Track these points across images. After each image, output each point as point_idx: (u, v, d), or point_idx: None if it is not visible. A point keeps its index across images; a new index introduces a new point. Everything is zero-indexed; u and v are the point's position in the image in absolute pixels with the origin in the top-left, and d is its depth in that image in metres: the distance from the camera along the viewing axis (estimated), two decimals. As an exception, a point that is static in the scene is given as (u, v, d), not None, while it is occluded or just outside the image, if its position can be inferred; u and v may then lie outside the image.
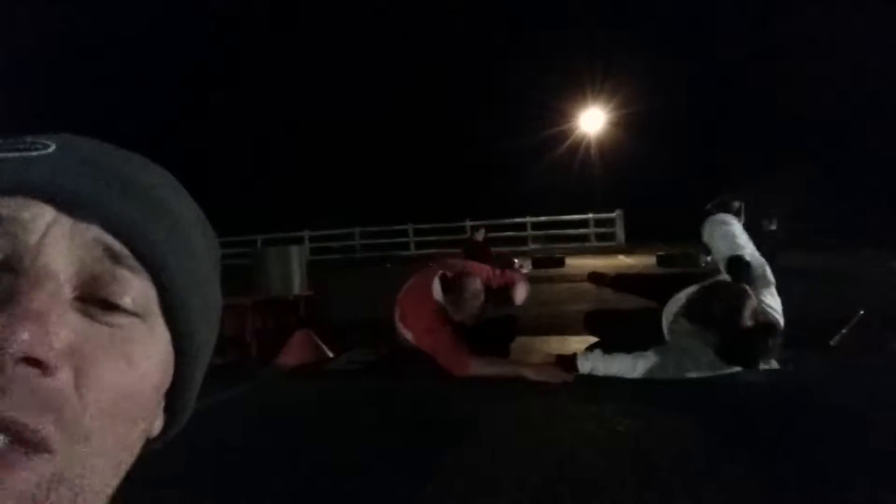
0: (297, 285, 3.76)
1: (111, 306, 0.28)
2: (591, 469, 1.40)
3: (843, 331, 2.58)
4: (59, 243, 0.27)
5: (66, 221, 0.27)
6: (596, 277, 3.54)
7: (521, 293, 2.85)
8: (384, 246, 16.76)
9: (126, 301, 0.29)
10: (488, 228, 11.78)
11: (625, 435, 1.63)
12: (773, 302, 2.18)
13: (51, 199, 0.27)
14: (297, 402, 2.24)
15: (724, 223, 2.39)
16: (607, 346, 2.35)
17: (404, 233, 16.88)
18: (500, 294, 2.79)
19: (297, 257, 3.87)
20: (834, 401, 1.85)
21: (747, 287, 2.09)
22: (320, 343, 2.94)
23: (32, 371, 0.23)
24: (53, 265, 0.26)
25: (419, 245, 16.55)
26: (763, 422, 1.72)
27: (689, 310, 2.23)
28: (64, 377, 0.25)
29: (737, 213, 2.65)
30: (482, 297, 2.52)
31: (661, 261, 8.42)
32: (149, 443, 0.32)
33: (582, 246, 14.33)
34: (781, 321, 2.15)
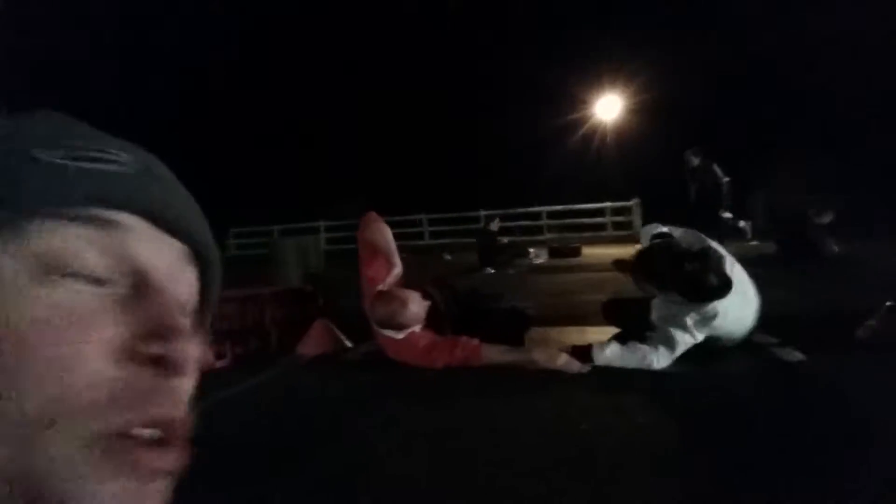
0: (314, 274, 3.80)
1: (184, 311, 0.32)
2: (609, 461, 1.40)
3: (869, 322, 2.53)
4: (160, 256, 0.30)
5: (158, 233, 0.30)
6: (621, 265, 3.51)
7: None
8: (398, 236, 16.75)
9: (192, 304, 0.33)
10: (503, 218, 11.71)
11: (644, 427, 1.62)
12: (700, 246, 2.40)
13: (143, 213, 0.29)
14: (316, 390, 2.27)
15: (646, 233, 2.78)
16: (624, 337, 2.34)
17: (418, 223, 16.89)
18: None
19: (314, 248, 3.91)
20: (858, 393, 1.82)
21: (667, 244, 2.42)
22: (339, 333, 2.98)
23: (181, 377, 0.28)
24: (171, 283, 0.30)
25: (433, 235, 16.55)
26: (785, 414, 1.70)
27: (649, 283, 2.44)
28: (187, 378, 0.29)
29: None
30: (416, 307, 2.47)
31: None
32: None
33: (598, 235, 14.19)
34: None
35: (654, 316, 2.35)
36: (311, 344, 2.89)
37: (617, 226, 14.93)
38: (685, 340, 2.18)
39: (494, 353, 2.32)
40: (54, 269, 0.25)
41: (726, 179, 7.48)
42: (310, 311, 3.33)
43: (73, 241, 0.26)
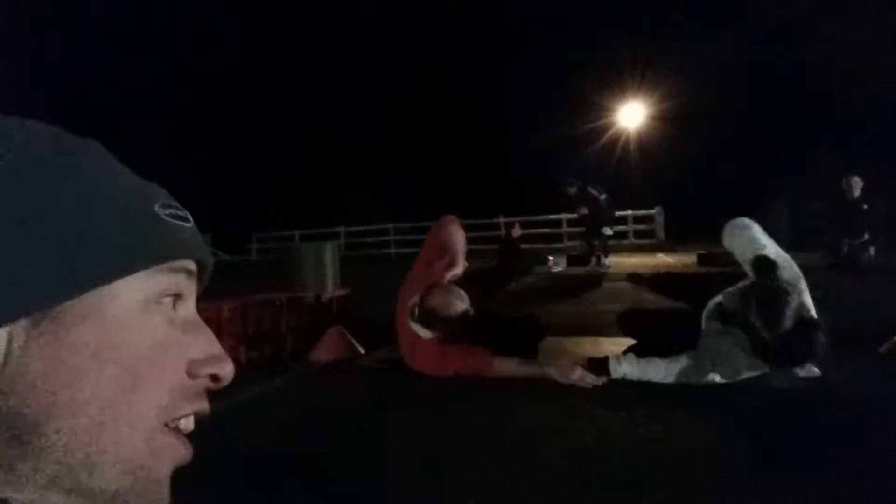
0: (331, 282, 3.84)
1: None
2: (617, 474, 1.38)
3: (894, 337, 2.44)
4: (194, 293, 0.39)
5: (196, 277, 0.38)
6: (636, 279, 3.47)
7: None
8: (417, 242, 16.83)
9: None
10: (523, 225, 11.62)
11: (654, 441, 1.60)
12: (806, 298, 2.09)
13: (200, 263, 0.38)
14: (329, 396, 2.29)
15: (743, 227, 2.33)
16: (642, 349, 2.30)
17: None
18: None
19: (330, 254, 3.94)
20: (875, 411, 1.76)
21: (786, 285, 2.01)
22: (352, 340, 3.00)
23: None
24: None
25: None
26: (799, 431, 1.65)
27: (722, 311, 2.16)
28: None
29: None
30: (465, 307, 2.44)
31: (703, 260, 8.16)
32: None
33: (620, 244, 14.01)
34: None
35: (704, 338, 2.20)
36: (325, 350, 2.92)
37: (639, 234, 14.71)
38: (712, 375, 2.07)
39: (507, 366, 2.30)
40: (157, 305, 0.34)
41: (604, 197, 8.16)
42: (324, 317, 3.37)
43: (171, 284, 0.35)
